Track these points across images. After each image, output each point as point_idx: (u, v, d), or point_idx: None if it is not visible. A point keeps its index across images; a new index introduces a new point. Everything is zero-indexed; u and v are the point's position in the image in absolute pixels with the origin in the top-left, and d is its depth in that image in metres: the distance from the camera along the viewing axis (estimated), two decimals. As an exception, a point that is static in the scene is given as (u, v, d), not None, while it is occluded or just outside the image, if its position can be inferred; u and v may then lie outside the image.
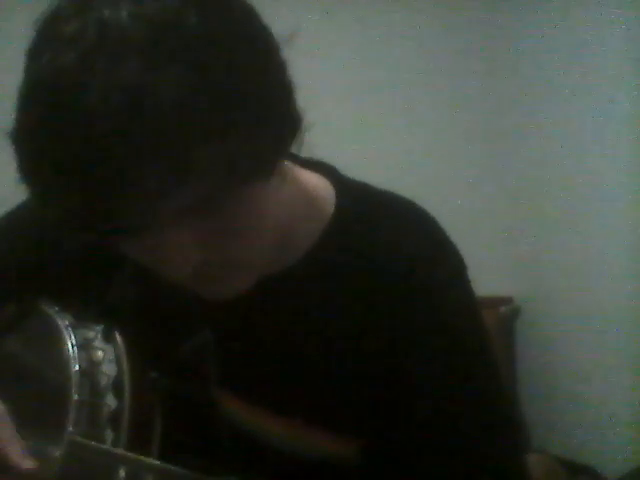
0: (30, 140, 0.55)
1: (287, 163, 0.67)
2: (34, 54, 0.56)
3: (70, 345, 0.69)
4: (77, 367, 0.68)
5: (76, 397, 0.66)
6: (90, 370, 0.68)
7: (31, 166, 0.55)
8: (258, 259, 0.65)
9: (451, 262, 0.74)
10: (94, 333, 0.71)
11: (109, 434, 0.66)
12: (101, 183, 0.52)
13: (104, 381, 0.68)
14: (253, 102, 0.56)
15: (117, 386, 0.67)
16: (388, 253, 0.72)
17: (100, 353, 0.70)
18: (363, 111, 2.52)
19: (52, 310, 0.75)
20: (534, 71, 2.35)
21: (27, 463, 0.69)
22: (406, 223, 0.74)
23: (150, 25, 0.53)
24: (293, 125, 0.61)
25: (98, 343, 0.70)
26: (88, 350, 0.69)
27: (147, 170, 0.52)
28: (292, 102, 0.61)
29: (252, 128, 0.56)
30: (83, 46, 0.52)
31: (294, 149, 0.63)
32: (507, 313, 2.41)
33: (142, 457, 0.64)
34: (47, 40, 0.55)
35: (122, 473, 0.64)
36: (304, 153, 0.67)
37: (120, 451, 0.65)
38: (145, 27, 0.53)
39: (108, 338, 0.71)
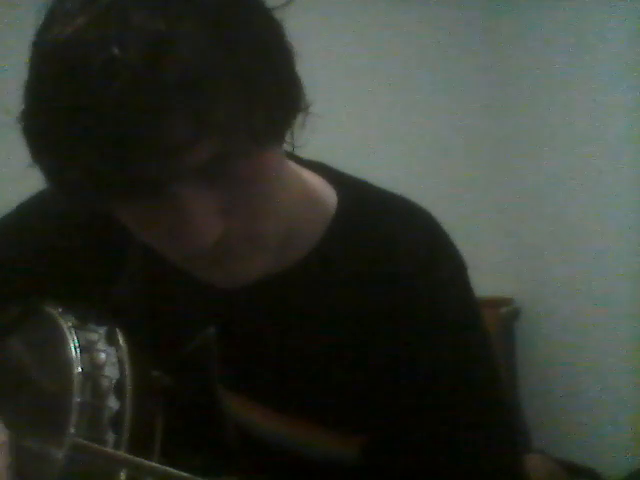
0: (48, 105, 0.54)
1: (289, 162, 0.67)
2: (43, 31, 0.56)
3: (73, 347, 0.69)
4: (79, 369, 0.68)
5: (78, 399, 0.66)
6: (92, 372, 0.68)
7: (51, 130, 0.54)
8: (273, 240, 0.65)
9: (451, 261, 0.75)
10: (97, 335, 0.71)
11: (111, 436, 0.66)
12: (122, 135, 0.52)
13: (106, 383, 0.67)
14: (266, 61, 0.57)
15: (119, 388, 0.67)
16: (389, 253, 0.72)
17: (103, 356, 0.70)
18: (363, 111, 2.52)
19: (55, 311, 0.75)
20: (535, 70, 2.36)
21: None
22: (407, 223, 0.75)
23: None
24: (301, 93, 0.61)
25: (101, 345, 0.70)
26: (91, 352, 0.69)
27: (166, 121, 0.52)
28: (297, 71, 0.61)
29: (267, 88, 0.57)
30: (94, 10, 0.52)
31: (301, 122, 0.62)
32: (507, 314, 2.41)
33: (143, 459, 0.64)
34: (56, 16, 0.55)
35: (123, 476, 0.64)
36: (304, 150, 0.67)
37: (122, 453, 0.65)
38: None
39: (111, 341, 0.71)
